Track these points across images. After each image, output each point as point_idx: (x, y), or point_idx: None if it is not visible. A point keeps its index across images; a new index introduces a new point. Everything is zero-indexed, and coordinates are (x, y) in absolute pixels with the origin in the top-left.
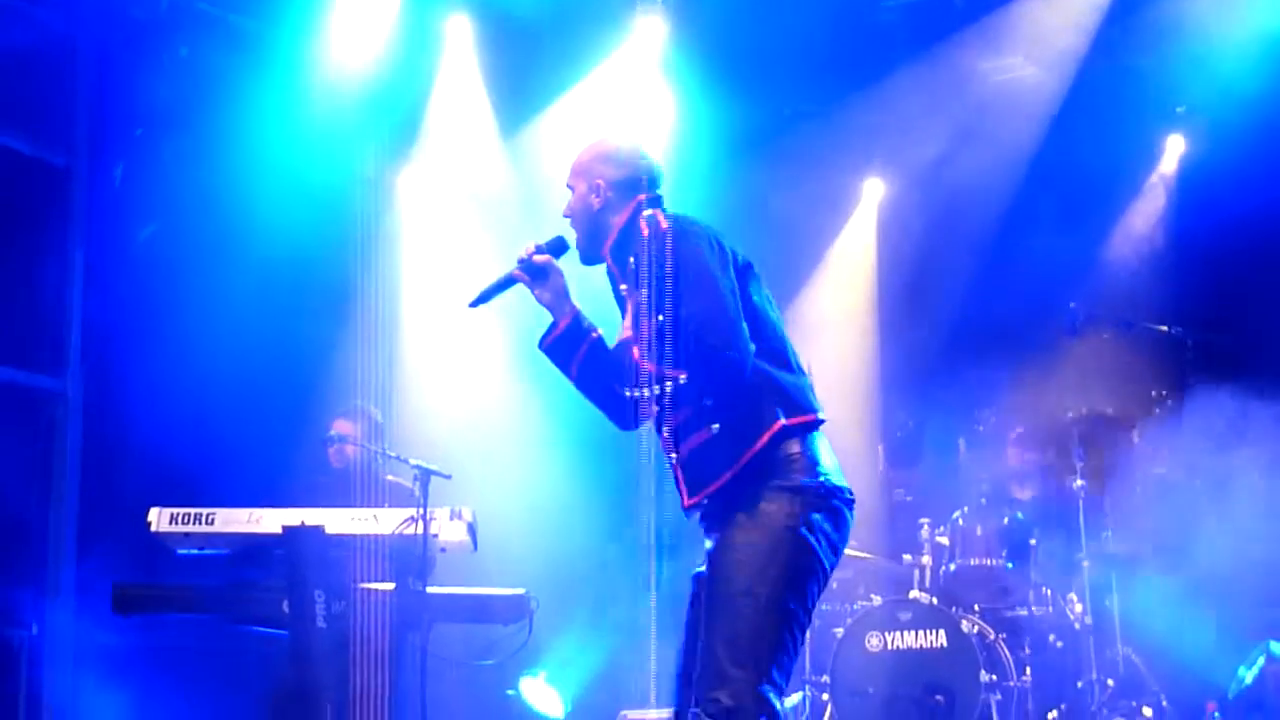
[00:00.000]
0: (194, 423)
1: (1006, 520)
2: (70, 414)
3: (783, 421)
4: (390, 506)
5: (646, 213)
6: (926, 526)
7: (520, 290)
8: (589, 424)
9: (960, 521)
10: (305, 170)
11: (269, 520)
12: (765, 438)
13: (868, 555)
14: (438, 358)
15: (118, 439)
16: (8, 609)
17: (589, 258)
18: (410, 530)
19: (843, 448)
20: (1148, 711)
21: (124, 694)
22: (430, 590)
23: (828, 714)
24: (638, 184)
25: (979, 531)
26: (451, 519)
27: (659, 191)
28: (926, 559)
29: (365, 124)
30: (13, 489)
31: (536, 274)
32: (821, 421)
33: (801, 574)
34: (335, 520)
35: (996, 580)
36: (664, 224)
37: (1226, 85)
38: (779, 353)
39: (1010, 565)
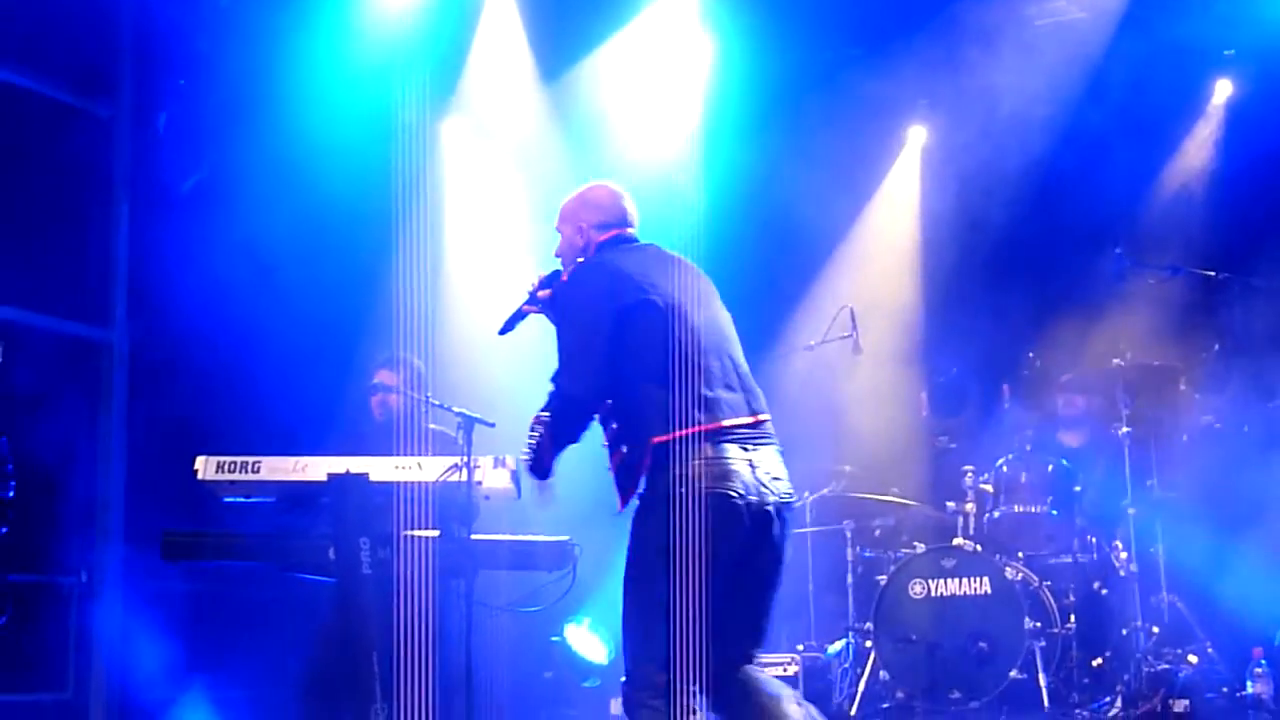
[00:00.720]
0: (239, 372)
1: (1051, 467)
2: (117, 364)
3: (661, 438)
4: (434, 454)
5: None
6: (970, 473)
7: None
8: None
9: (1004, 468)
10: (347, 118)
11: (314, 468)
12: (648, 458)
13: (911, 502)
14: (480, 306)
15: (164, 388)
16: (58, 556)
17: None
18: (454, 478)
19: (885, 394)
20: (1193, 659)
21: (172, 640)
22: (474, 537)
23: (871, 661)
24: (607, 227)
25: (1023, 478)
26: (495, 466)
27: (627, 231)
28: (970, 506)
29: (407, 71)
30: (61, 438)
31: (544, 305)
32: (711, 431)
33: (660, 575)
34: (380, 468)
35: (1041, 527)
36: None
37: (1274, 29)
38: (671, 373)
39: (1055, 512)
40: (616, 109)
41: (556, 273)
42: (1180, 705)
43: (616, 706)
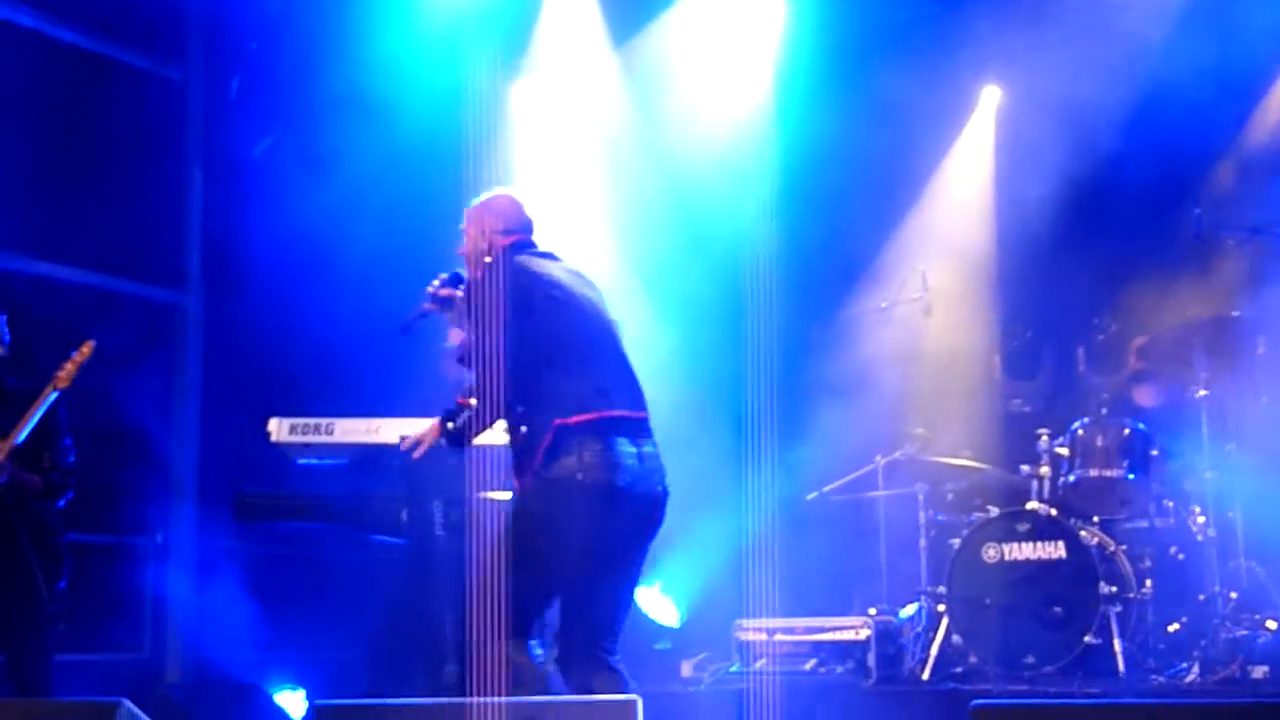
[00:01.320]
0: (312, 334)
1: (1128, 431)
2: (191, 326)
3: (559, 421)
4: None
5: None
6: (1045, 437)
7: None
8: (705, 341)
9: (1080, 432)
10: (417, 81)
11: (387, 430)
12: (547, 438)
13: (984, 466)
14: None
15: (238, 351)
16: (135, 518)
17: None
18: None
19: (957, 357)
20: (1271, 625)
21: (245, 600)
22: None
23: (943, 625)
24: (510, 232)
25: (1099, 442)
26: None
27: (529, 237)
28: (1045, 470)
29: (477, 34)
30: (136, 401)
31: (444, 303)
32: (606, 419)
33: (546, 552)
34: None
35: (1117, 492)
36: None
37: None
38: (571, 363)
39: (1131, 476)
40: (687, 70)
41: (457, 274)
42: (1259, 672)
43: (688, 669)
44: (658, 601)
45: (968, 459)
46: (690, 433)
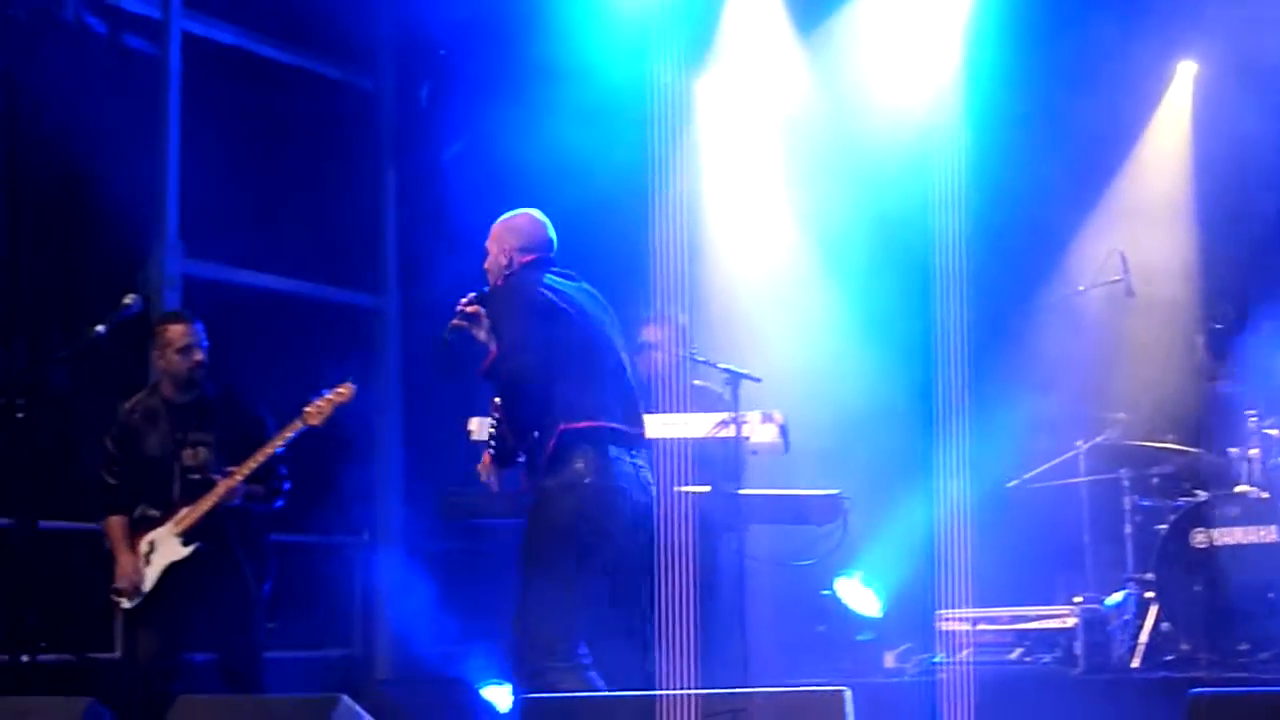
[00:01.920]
0: None
1: None
2: (389, 329)
3: (562, 427)
4: (699, 411)
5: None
6: (1254, 418)
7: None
8: (899, 325)
9: None
10: (603, 79)
11: None
12: (552, 443)
13: (1190, 449)
14: (741, 262)
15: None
16: (343, 518)
17: None
18: (722, 433)
19: (1159, 339)
20: None
21: (451, 597)
22: (743, 492)
23: (1152, 612)
24: (528, 250)
25: None
26: (763, 421)
27: (548, 255)
28: (1255, 452)
29: (662, 32)
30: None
31: (473, 319)
32: (605, 429)
33: (547, 553)
34: (648, 425)
35: None
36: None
37: None
38: (574, 375)
39: None
40: (873, 55)
41: (483, 289)
42: None
43: (890, 660)
44: (859, 592)
45: (1173, 442)
46: (884, 420)
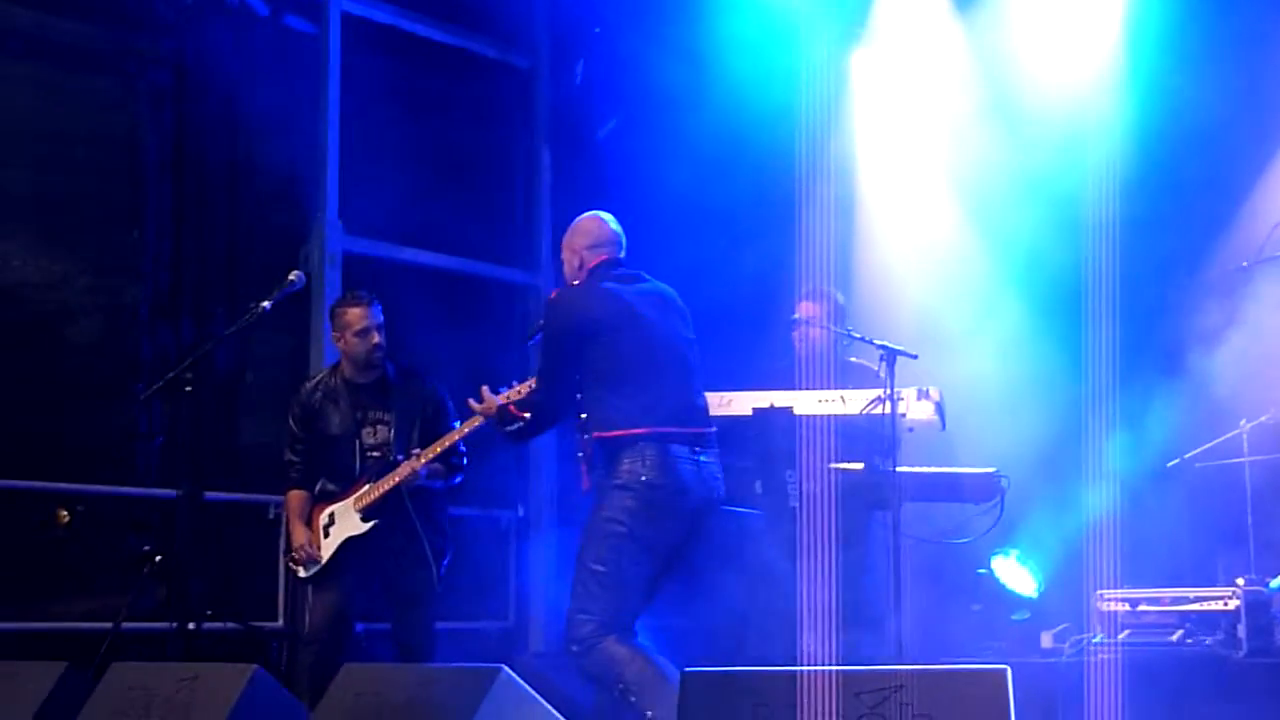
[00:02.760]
0: None
1: None
2: None
3: (617, 433)
4: (854, 388)
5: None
6: None
7: None
8: (1055, 303)
9: None
10: (757, 54)
11: (739, 403)
12: (606, 447)
13: None
14: (898, 237)
15: None
16: (499, 492)
17: None
18: (878, 410)
19: None
20: None
21: None
22: (900, 469)
23: None
24: (597, 250)
25: None
26: (919, 398)
27: (617, 255)
28: None
29: (817, 6)
30: (497, 376)
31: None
32: (656, 434)
33: (601, 545)
34: (803, 402)
35: None
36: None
37: None
38: (626, 383)
39: None
40: (1033, 30)
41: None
42: None
43: (1048, 640)
44: (1015, 571)
45: None
46: (1043, 397)
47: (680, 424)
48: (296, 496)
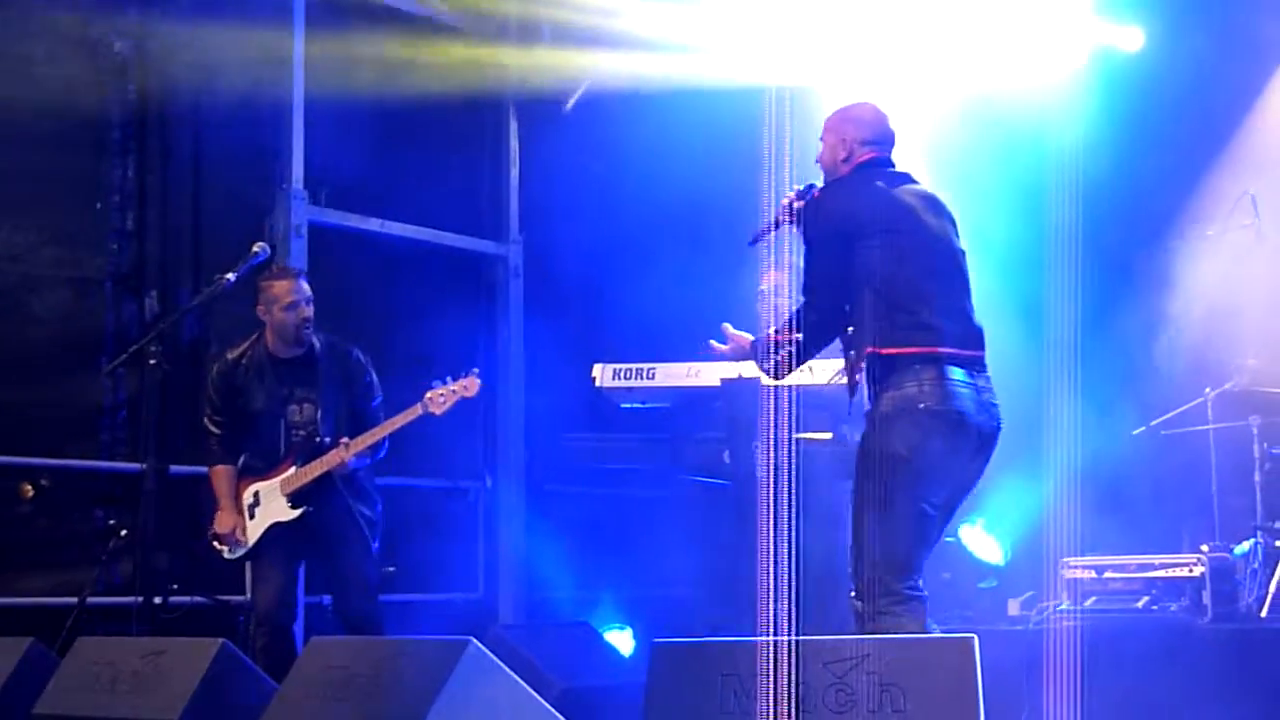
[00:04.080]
0: (630, 281)
1: None
2: (512, 276)
3: (886, 351)
4: (821, 358)
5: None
6: None
7: None
8: (1020, 273)
9: None
10: (727, 24)
11: (707, 374)
12: (878, 367)
13: None
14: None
15: (558, 299)
16: (466, 463)
17: None
18: (844, 381)
19: None
20: None
21: (573, 542)
22: None
23: None
24: (869, 145)
25: None
26: None
27: (887, 154)
28: None
29: None
30: (464, 350)
31: (798, 216)
32: (931, 354)
33: (883, 483)
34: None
35: None
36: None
37: None
38: (901, 295)
39: None
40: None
41: (811, 185)
42: None
43: (1014, 607)
44: (982, 539)
45: None
46: (1011, 367)
47: (961, 345)
48: (222, 473)
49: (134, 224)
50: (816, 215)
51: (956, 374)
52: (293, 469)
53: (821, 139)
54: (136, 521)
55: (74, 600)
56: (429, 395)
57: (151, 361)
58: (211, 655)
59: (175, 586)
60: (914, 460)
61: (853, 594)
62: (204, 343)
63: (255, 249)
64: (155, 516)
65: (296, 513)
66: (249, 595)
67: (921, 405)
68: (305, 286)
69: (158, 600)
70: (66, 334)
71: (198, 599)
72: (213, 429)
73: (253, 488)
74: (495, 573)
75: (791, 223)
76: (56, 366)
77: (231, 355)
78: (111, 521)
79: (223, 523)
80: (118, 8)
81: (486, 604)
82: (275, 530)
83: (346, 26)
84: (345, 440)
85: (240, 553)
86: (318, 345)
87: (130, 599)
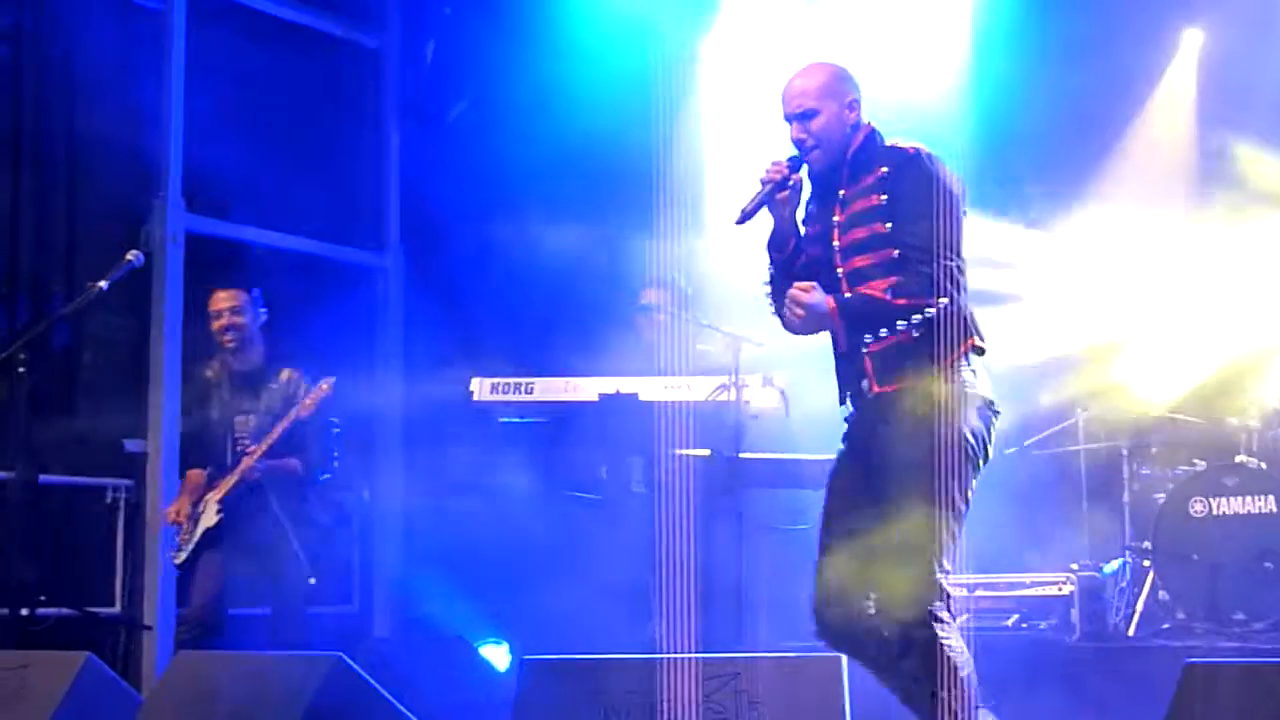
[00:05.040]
0: (509, 294)
1: None
2: (391, 288)
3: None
4: (700, 375)
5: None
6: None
7: None
8: None
9: None
10: (607, 40)
11: (585, 389)
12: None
13: (1191, 419)
14: (745, 227)
15: (438, 311)
16: (343, 475)
17: (826, 169)
18: (723, 397)
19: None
20: None
21: (448, 557)
22: (743, 456)
23: (1149, 581)
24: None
25: None
26: (764, 385)
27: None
28: (1255, 422)
29: None
30: (342, 358)
31: (781, 184)
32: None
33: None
34: (649, 388)
35: None
36: (925, 149)
37: None
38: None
39: None
40: (879, 21)
41: (797, 158)
42: None
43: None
44: None
45: (1173, 412)
46: None
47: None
48: (193, 475)
49: (6, 230)
50: (934, 169)
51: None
52: (224, 479)
53: (817, 108)
54: (3, 531)
55: None
56: (301, 402)
57: (20, 369)
58: (76, 669)
59: (43, 598)
60: (979, 451)
61: (872, 609)
62: (76, 352)
63: (129, 256)
64: (23, 527)
65: (218, 517)
66: (119, 607)
67: (987, 398)
68: (235, 297)
69: (24, 611)
70: None
71: (65, 610)
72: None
73: (205, 498)
74: (370, 586)
75: (778, 189)
76: None
77: (206, 367)
78: None
79: (174, 504)
80: None
81: (362, 618)
82: (208, 536)
83: (227, 31)
84: (251, 447)
85: (181, 560)
86: (266, 359)
87: None
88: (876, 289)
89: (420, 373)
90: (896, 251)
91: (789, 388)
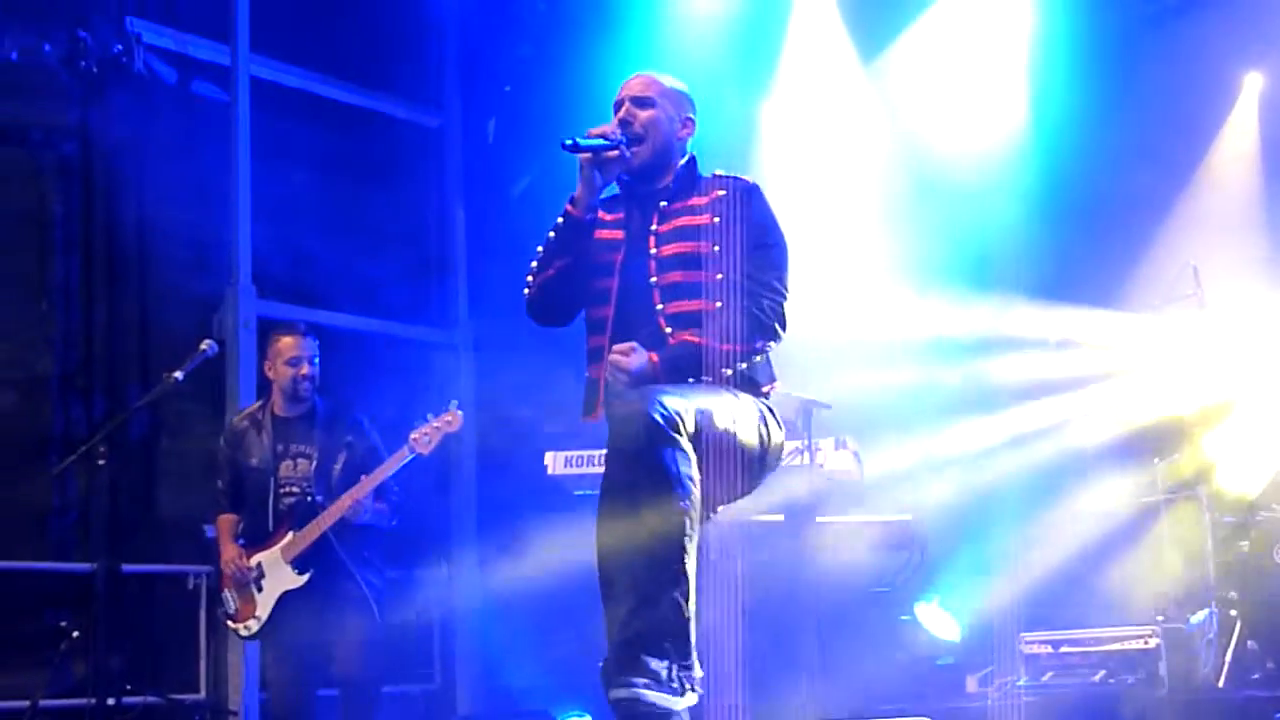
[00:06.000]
0: (579, 366)
1: None
2: (464, 362)
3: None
4: None
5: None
6: None
7: None
8: (968, 349)
9: None
10: None
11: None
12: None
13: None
14: (810, 289)
15: (508, 386)
16: (422, 552)
17: (646, 169)
18: (796, 462)
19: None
20: None
21: (529, 630)
22: (820, 520)
23: (1237, 631)
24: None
25: None
26: (837, 448)
27: None
28: None
29: (724, 60)
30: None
31: (600, 149)
32: None
33: None
34: None
35: None
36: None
37: None
38: None
39: None
40: (938, 79)
41: (629, 137)
42: None
43: (972, 684)
44: (938, 617)
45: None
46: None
47: None
48: (226, 520)
49: (80, 323)
50: (774, 213)
51: None
52: (290, 534)
53: (658, 101)
54: (88, 622)
55: (26, 704)
56: (414, 435)
57: (100, 461)
58: None
59: (129, 687)
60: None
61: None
62: (153, 441)
63: (203, 346)
64: (107, 616)
65: (304, 578)
66: (203, 693)
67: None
68: (310, 343)
69: (111, 701)
70: (13, 434)
71: (150, 698)
72: (221, 486)
73: (255, 558)
74: (452, 662)
75: (621, 156)
76: (4, 467)
77: (239, 414)
78: (63, 623)
79: (226, 552)
80: (61, 107)
81: (445, 695)
82: (282, 608)
83: (291, 118)
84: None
85: (256, 629)
86: (321, 405)
87: (83, 701)
88: (697, 336)
89: (494, 447)
90: (720, 275)
91: (861, 450)
